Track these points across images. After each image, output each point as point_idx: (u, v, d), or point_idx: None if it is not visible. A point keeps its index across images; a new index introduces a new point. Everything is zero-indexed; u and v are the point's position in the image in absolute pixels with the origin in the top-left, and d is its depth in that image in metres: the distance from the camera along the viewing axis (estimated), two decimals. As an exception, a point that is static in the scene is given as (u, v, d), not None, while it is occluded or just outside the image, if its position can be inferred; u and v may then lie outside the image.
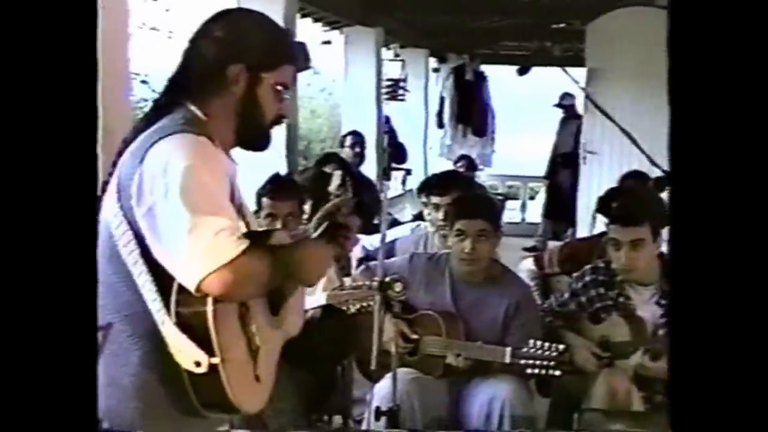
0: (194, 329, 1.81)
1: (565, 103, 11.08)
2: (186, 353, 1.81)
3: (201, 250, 1.78)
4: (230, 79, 1.96)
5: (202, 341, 1.81)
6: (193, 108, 1.96)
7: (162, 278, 1.83)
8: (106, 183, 1.94)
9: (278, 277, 1.95)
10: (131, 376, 1.88)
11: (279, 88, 2.01)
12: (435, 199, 4.41)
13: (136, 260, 1.85)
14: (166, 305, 1.82)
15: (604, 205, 4.17)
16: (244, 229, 1.89)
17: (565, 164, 10.59)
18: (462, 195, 4.22)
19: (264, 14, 2.14)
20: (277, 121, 2.06)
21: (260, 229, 2.15)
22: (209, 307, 1.80)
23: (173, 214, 1.79)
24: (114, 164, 1.94)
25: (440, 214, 4.26)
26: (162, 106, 1.99)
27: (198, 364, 1.80)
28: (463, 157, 10.50)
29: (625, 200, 3.95)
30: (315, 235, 2.16)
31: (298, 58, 2.09)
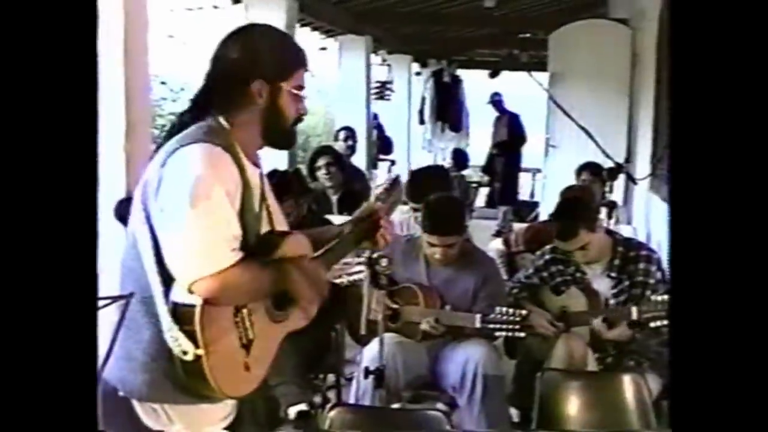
0: (184, 321, 1.77)
1: (496, 99, 11.31)
2: (175, 341, 1.78)
3: (196, 255, 1.75)
4: (253, 94, 1.91)
5: (191, 332, 1.77)
6: (219, 118, 1.92)
7: (165, 270, 1.80)
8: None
9: (272, 290, 1.90)
10: (142, 351, 1.85)
11: (295, 91, 1.96)
12: (412, 204, 4.29)
13: (147, 250, 1.82)
14: (165, 295, 1.79)
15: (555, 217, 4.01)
16: (234, 242, 1.81)
17: (501, 153, 10.65)
18: (435, 208, 3.71)
19: (272, 27, 2.08)
20: (298, 120, 2.01)
21: (281, 230, 2.03)
22: (198, 305, 1.77)
23: (179, 217, 1.76)
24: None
25: (417, 215, 4.05)
26: (190, 116, 1.95)
27: (185, 352, 1.77)
28: (454, 151, 10.54)
29: (565, 223, 3.61)
30: (347, 232, 2.12)
31: (307, 60, 2.03)
